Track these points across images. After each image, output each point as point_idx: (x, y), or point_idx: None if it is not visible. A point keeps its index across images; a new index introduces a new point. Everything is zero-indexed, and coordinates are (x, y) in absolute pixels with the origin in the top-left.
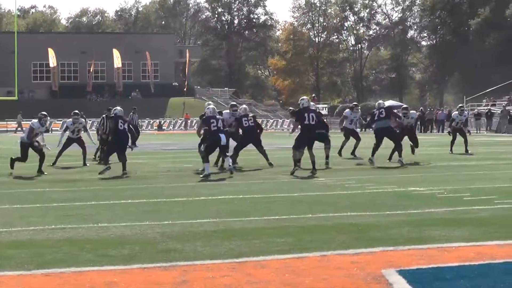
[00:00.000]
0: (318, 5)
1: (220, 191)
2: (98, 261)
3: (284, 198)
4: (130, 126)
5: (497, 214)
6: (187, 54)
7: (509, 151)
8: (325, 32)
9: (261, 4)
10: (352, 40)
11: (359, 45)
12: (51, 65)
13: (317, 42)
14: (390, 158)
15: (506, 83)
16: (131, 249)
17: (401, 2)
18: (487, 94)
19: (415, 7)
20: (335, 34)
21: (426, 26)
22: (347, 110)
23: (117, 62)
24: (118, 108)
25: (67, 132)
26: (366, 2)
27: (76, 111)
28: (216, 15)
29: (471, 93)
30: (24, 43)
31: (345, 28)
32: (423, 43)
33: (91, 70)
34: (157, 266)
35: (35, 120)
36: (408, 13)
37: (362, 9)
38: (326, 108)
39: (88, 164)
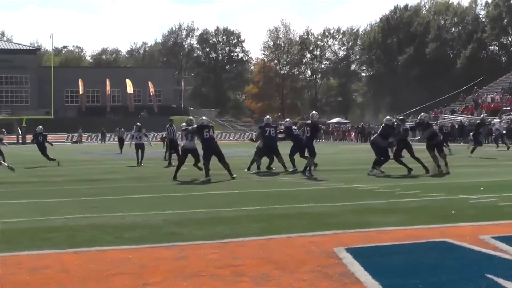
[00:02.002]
0: (283, 45)
1: (208, 188)
2: (116, 242)
3: (257, 193)
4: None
5: (421, 204)
6: (183, 83)
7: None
8: (288, 66)
9: (239, 45)
10: (308, 72)
11: (314, 76)
12: (80, 92)
13: (282, 73)
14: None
15: (426, 104)
16: (141, 232)
17: (345, 43)
18: (412, 113)
19: (356, 46)
20: (296, 67)
21: (365, 61)
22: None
23: (130, 89)
24: (205, 118)
25: (133, 140)
26: (319, 43)
27: (138, 124)
28: (205, 53)
29: (400, 112)
30: (59, 75)
31: (303, 63)
32: (363, 74)
33: (108, 94)
34: (161, 246)
35: (187, 126)
36: (351, 51)
37: (315, 48)
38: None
39: (143, 165)
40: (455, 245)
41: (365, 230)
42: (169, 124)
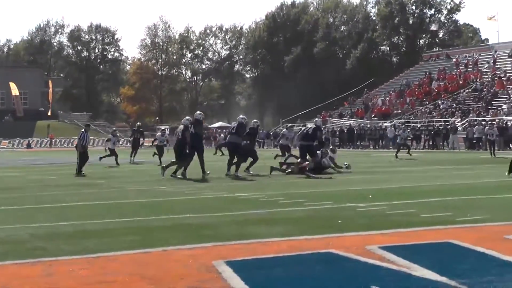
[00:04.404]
0: (161, 44)
1: (80, 198)
2: None
3: (131, 204)
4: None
5: (306, 214)
6: (50, 84)
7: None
8: (167, 67)
9: (114, 43)
10: (189, 73)
11: (195, 77)
12: None
13: (160, 74)
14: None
15: (314, 107)
16: (4, 247)
17: (228, 42)
18: (299, 117)
19: (240, 45)
20: (175, 68)
21: (249, 61)
22: (285, 130)
23: None
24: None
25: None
26: (200, 41)
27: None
28: (76, 52)
29: (287, 116)
30: None
31: (183, 63)
32: (247, 75)
33: None
34: (26, 262)
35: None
36: (234, 51)
37: (196, 47)
38: (168, 129)
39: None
40: (341, 256)
41: (247, 241)
42: (84, 130)
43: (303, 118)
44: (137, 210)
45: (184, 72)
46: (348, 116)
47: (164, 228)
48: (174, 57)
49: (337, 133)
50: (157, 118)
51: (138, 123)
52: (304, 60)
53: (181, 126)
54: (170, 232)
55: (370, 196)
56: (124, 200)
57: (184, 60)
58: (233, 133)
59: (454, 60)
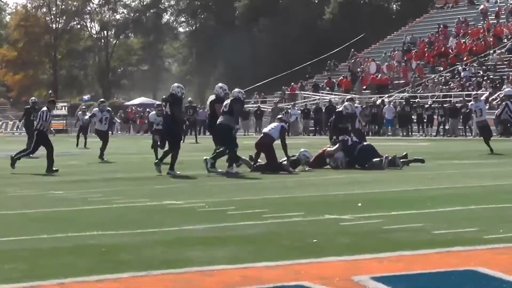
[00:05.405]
0: None
1: None
2: None
3: (13, 216)
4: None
5: (266, 230)
6: None
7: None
8: (64, 17)
9: None
10: (96, 27)
11: (105, 32)
12: None
13: (54, 28)
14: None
15: (278, 76)
16: None
17: None
18: (257, 89)
19: None
20: (76, 19)
21: (184, 10)
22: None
23: None
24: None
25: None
26: None
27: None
28: None
29: (238, 88)
30: None
31: (87, 12)
32: (181, 29)
33: None
34: None
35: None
36: None
37: None
38: (66, 107)
39: None
40: None
41: (181, 270)
42: (47, 108)
43: (261, 91)
44: (23, 225)
45: (89, 25)
46: (328, 88)
47: (60, 250)
48: (75, 3)
49: (312, 112)
50: (50, 91)
51: (33, 98)
52: (263, 9)
53: (212, 97)
54: (70, 256)
55: (359, 204)
56: (4, 211)
57: (88, 8)
58: (225, 112)
59: (481, 7)
